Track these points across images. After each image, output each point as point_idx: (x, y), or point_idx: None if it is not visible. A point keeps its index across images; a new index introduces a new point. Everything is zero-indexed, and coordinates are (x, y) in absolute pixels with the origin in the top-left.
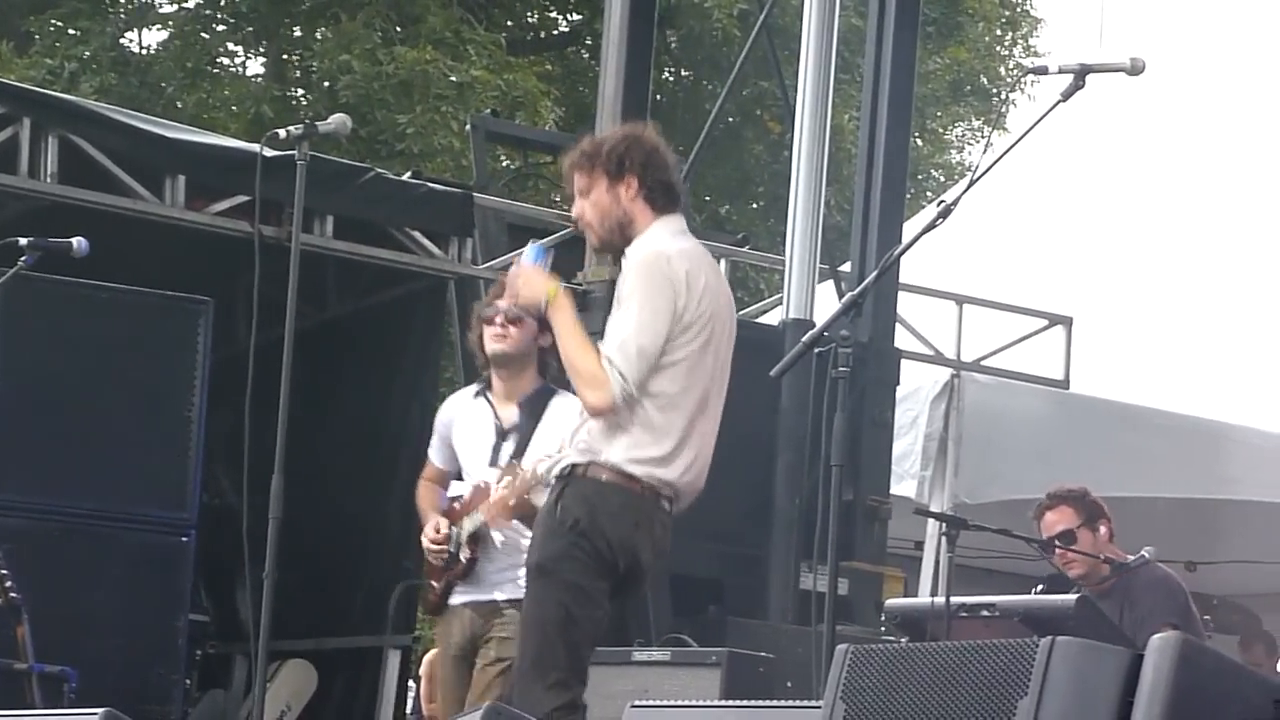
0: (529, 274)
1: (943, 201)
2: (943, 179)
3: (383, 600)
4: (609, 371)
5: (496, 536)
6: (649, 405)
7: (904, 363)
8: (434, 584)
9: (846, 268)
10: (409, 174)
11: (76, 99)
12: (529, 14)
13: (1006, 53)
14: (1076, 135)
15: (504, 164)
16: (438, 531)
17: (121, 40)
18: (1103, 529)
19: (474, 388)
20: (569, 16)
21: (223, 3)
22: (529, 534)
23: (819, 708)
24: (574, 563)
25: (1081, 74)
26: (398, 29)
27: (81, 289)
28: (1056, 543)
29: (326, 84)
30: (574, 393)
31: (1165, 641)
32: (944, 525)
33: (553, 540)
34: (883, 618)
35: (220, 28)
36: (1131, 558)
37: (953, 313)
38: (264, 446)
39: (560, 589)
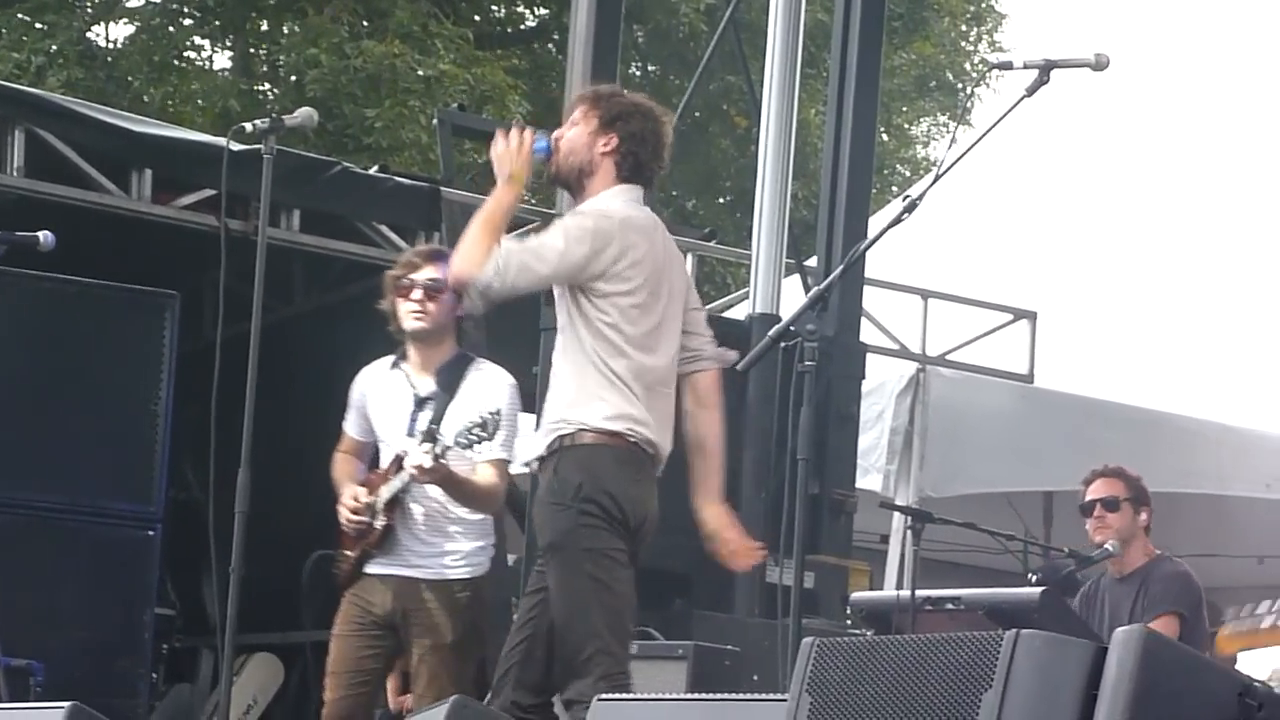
0: (518, 150)
1: (908, 196)
2: (908, 174)
3: None
4: (494, 257)
5: (417, 509)
6: (613, 375)
7: (869, 357)
8: (348, 553)
9: (812, 262)
10: (376, 168)
11: (43, 93)
12: (496, 8)
13: (972, 48)
14: (1041, 131)
15: (471, 158)
16: (355, 500)
17: (88, 34)
18: (1144, 515)
19: (389, 359)
20: (536, 11)
21: None
22: (455, 511)
23: (785, 701)
24: (587, 530)
25: (1046, 69)
26: (365, 23)
27: (48, 283)
28: (1099, 504)
29: (293, 78)
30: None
31: (1129, 635)
32: (909, 519)
33: (559, 515)
34: (848, 611)
35: (187, 22)
36: (1158, 551)
37: (918, 307)
38: (230, 440)
39: (582, 559)
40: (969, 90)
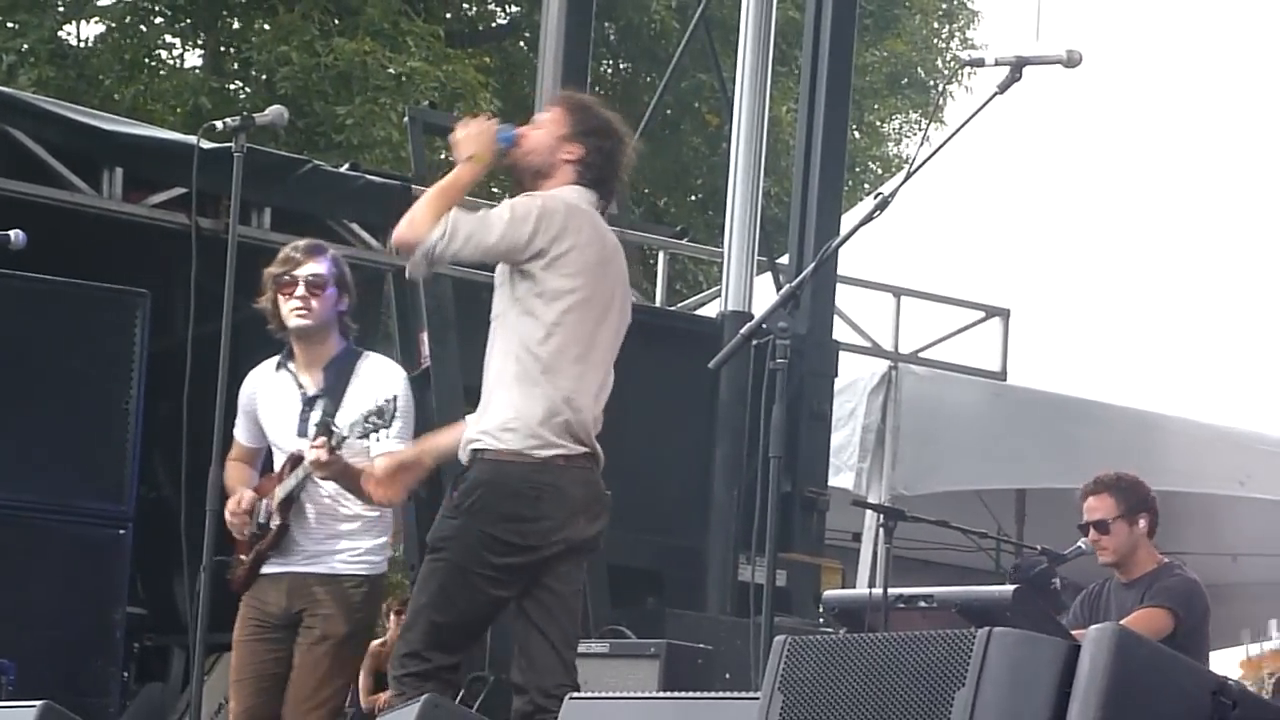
0: (480, 132)
1: (880, 194)
2: (880, 171)
3: None
4: (441, 222)
5: (310, 507)
6: (533, 371)
7: (842, 355)
8: (242, 557)
9: (784, 260)
10: (347, 166)
11: (14, 91)
12: (467, 6)
13: (944, 45)
14: (1013, 128)
15: (442, 156)
16: (239, 504)
17: (59, 33)
18: (1142, 522)
19: (274, 360)
20: (507, 8)
21: None
22: (347, 504)
23: (757, 699)
24: (461, 545)
25: (1018, 66)
26: (336, 21)
27: (19, 281)
28: (1092, 528)
29: (264, 76)
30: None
31: (1102, 632)
32: (882, 516)
33: (445, 520)
34: (821, 609)
35: (158, 20)
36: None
37: (890, 305)
38: (202, 439)
39: (442, 569)
40: (941, 87)
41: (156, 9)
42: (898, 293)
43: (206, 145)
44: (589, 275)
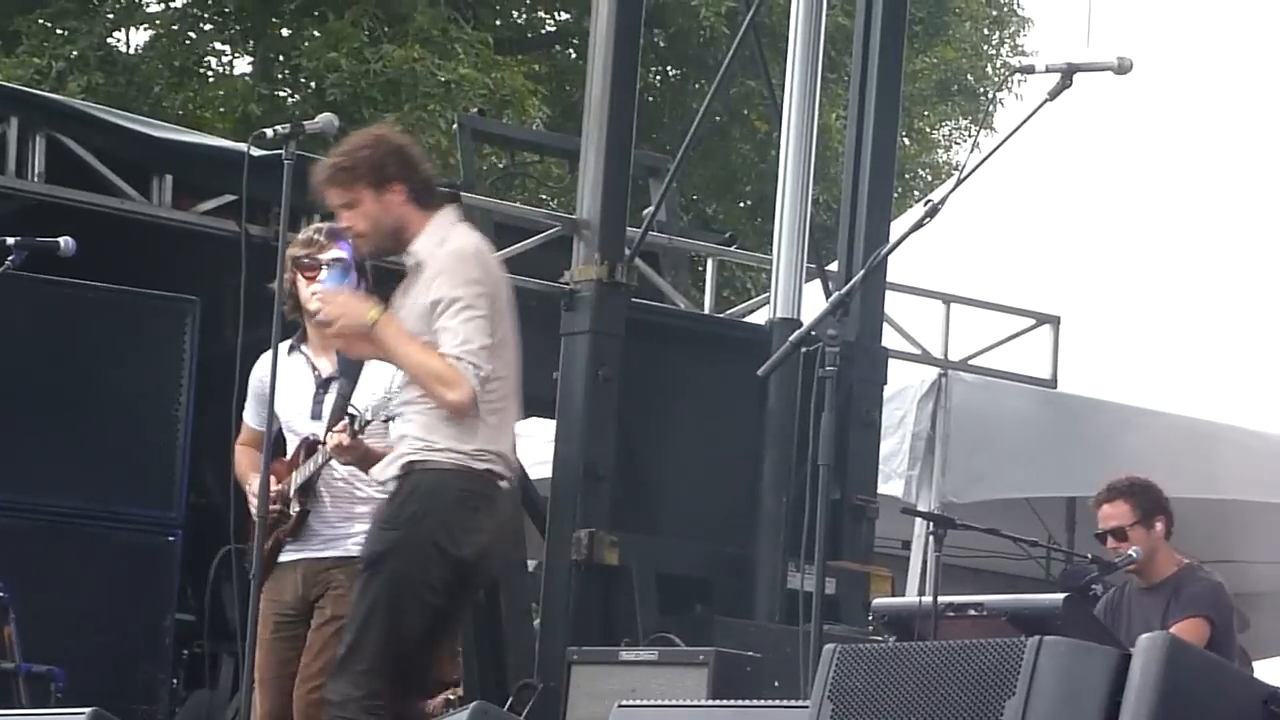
0: (341, 300)
1: (930, 200)
2: (930, 178)
3: None
4: (460, 368)
5: (325, 492)
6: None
7: (891, 362)
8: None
9: (833, 267)
10: None
11: (64, 98)
12: (517, 12)
13: (994, 52)
14: (1063, 134)
15: (491, 162)
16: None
17: (109, 40)
18: (1159, 525)
19: (287, 343)
20: (557, 15)
21: (210, 2)
22: (362, 486)
23: (806, 707)
24: (405, 558)
25: (1069, 73)
26: (385, 28)
27: (69, 288)
28: (1110, 536)
29: (314, 83)
30: None
31: (1153, 641)
32: (931, 524)
33: (385, 534)
34: (870, 617)
35: (207, 27)
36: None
37: (940, 312)
38: None
39: (387, 581)
40: (991, 94)
41: (206, 16)
42: (947, 299)
43: (256, 152)
44: (502, 306)
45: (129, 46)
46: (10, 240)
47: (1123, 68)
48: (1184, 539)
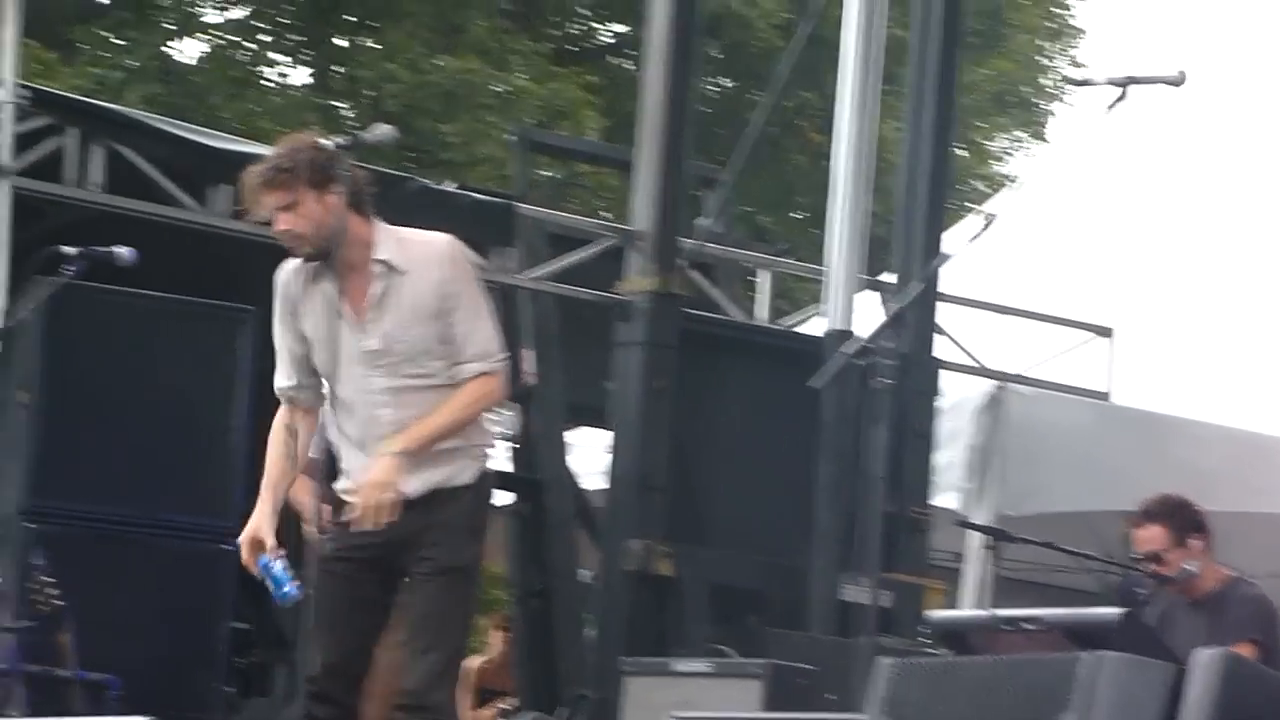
0: (371, 495)
1: (985, 212)
2: (985, 189)
3: None
4: (485, 367)
5: None
6: None
7: (946, 374)
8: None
9: (888, 278)
10: (452, 184)
11: (122, 108)
12: (573, 24)
13: (1049, 64)
14: (1119, 146)
15: (546, 173)
16: None
17: (167, 50)
18: (1194, 544)
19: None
20: (612, 26)
21: (267, 13)
22: None
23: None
24: (478, 561)
25: (1125, 85)
26: (442, 39)
27: (126, 297)
28: (1151, 564)
29: (370, 94)
30: None
31: (1210, 657)
32: (987, 537)
33: (471, 543)
34: (925, 630)
35: (265, 38)
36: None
37: (994, 324)
38: None
39: (473, 586)
40: (1047, 106)
41: (264, 27)
42: (1002, 312)
43: None
44: None
45: (187, 57)
46: (69, 250)
47: (1179, 80)
48: (1238, 552)
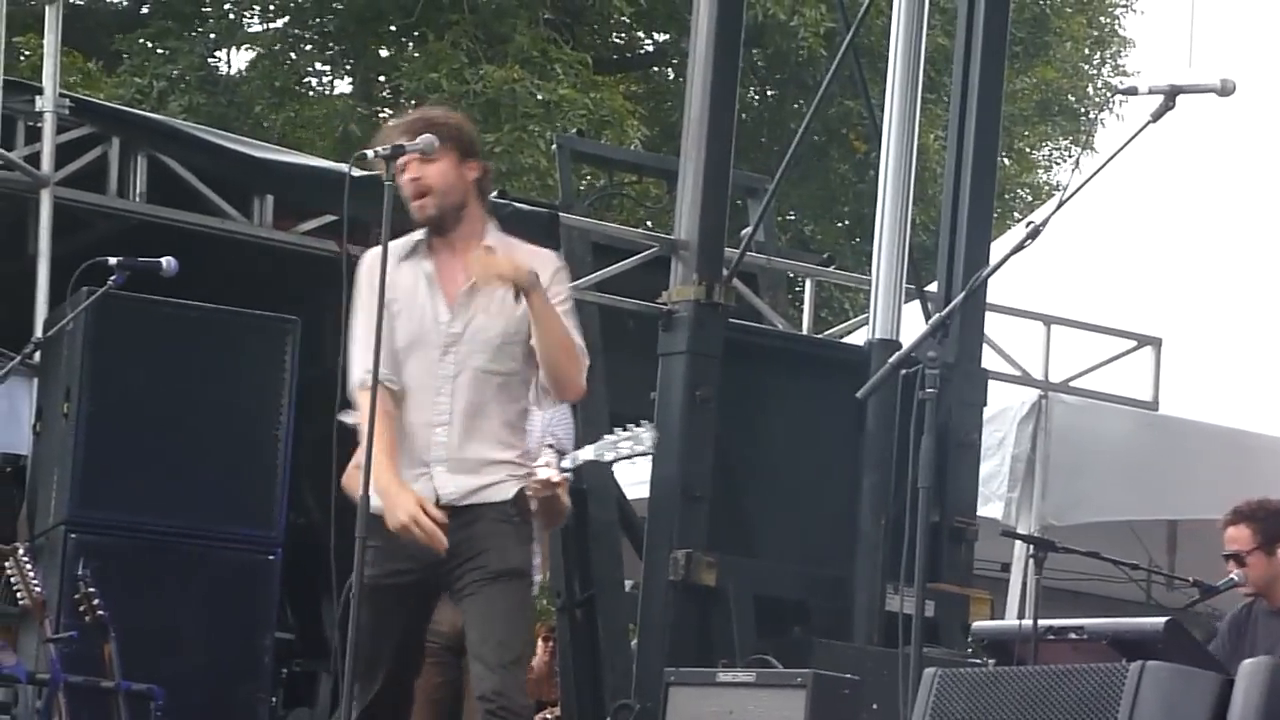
0: (511, 264)
1: (1031, 222)
2: (1030, 199)
3: None
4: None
5: None
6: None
7: (991, 383)
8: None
9: (933, 287)
10: (495, 193)
11: (165, 118)
12: (616, 33)
13: (1095, 72)
14: (1166, 156)
15: (590, 182)
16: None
17: (210, 60)
18: None
19: None
20: (655, 36)
21: (311, 23)
22: None
23: None
24: (530, 572)
25: (1171, 94)
26: (485, 48)
27: (170, 308)
28: (1231, 560)
29: (414, 103)
30: None
31: (1256, 666)
32: (1031, 547)
33: (526, 548)
34: (969, 640)
35: (308, 47)
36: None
37: (1040, 333)
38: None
39: (529, 589)
40: (1092, 115)
41: (307, 36)
42: (1048, 321)
43: (357, 173)
44: None
45: (230, 66)
46: (113, 260)
47: (1226, 89)
48: None
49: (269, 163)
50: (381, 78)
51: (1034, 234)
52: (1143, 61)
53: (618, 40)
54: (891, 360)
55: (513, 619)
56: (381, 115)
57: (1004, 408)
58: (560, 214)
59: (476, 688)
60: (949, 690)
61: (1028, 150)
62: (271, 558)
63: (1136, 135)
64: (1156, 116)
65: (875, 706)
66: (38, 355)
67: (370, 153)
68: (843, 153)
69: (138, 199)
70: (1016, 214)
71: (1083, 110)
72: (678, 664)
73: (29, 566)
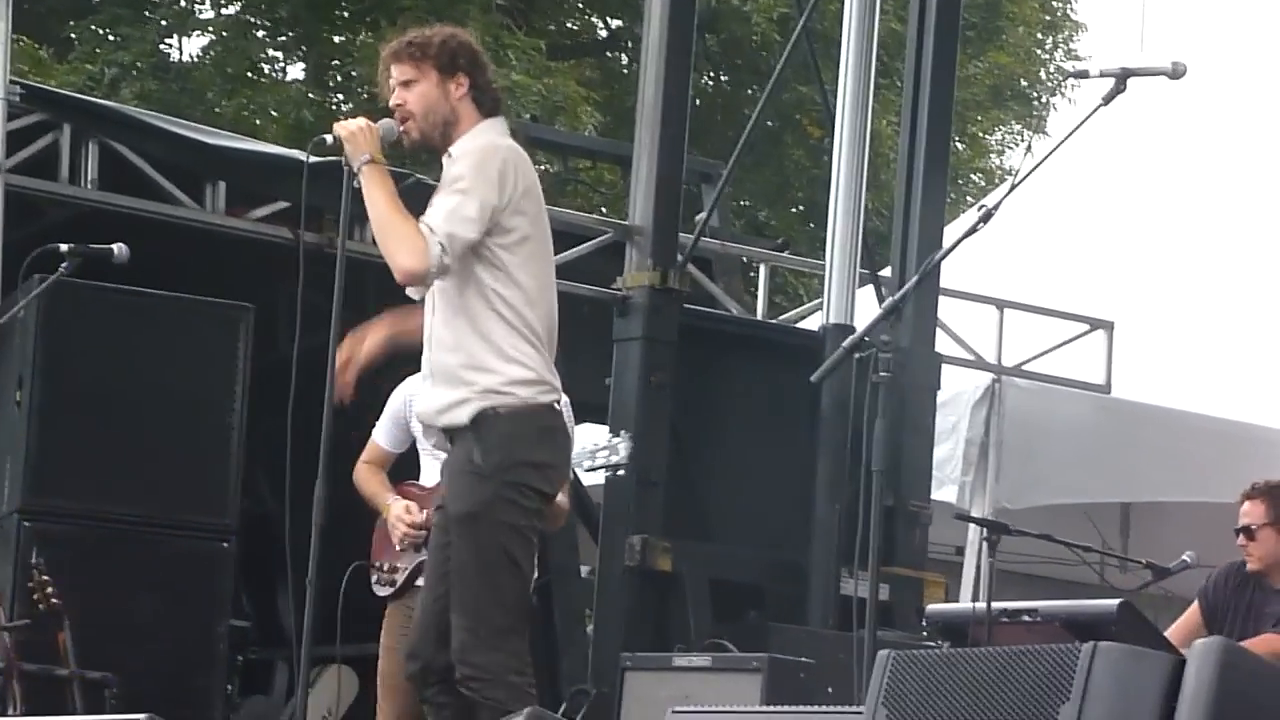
0: (367, 128)
1: (983, 206)
2: (983, 183)
3: None
4: (429, 240)
5: None
6: (523, 326)
7: (945, 367)
8: (398, 565)
9: (887, 272)
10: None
11: (117, 105)
12: (569, 19)
13: (1047, 57)
14: (1118, 139)
15: (543, 168)
16: (409, 513)
17: (162, 46)
18: None
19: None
20: (609, 21)
21: (263, 9)
22: None
23: (860, 713)
24: (505, 504)
25: (1122, 78)
26: None
27: (122, 295)
28: (1241, 533)
29: (367, 89)
30: None
31: (1207, 646)
32: (985, 530)
33: (480, 485)
34: (924, 623)
35: (260, 34)
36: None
37: (993, 317)
38: (306, 452)
39: (498, 532)
40: (1044, 99)
41: (259, 23)
42: (1001, 305)
43: (312, 159)
44: (536, 213)
45: (182, 53)
46: (64, 247)
47: (1177, 72)
48: (1233, 543)
49: (221, 149)
50: (334, 64)
51: (986, 218)
52: (1095, 45)
53: (571, 26)
54: (845, 344)
55: (464, 573)
56: (334, 101)
57: (957, 392)
58: None
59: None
60: (903, 672)
61: (980, 135)
62: (226, 545)
63: (1088, 119)
64: (1108, 100)
65: (830, 689)
66: None
67: (328, 138)
68: (797, 138)
69: (89, 186)
70: (970, 198)
71: (1035, 95)
72: (633, 649)
73: None
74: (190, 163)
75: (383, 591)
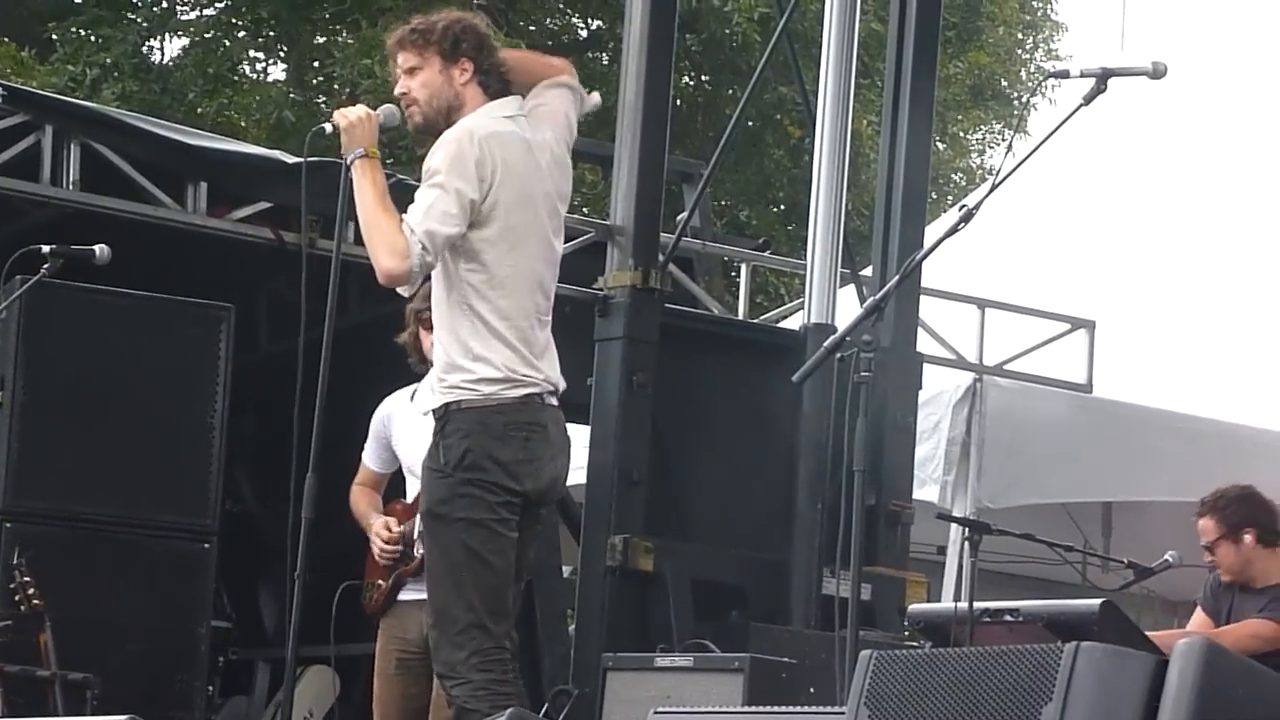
0: (366, 117)
1: (964, 206)
2: (964, 183)
3: None
4: (410, 240)
5: None
6: (491, 320)
7: (926, 367)
8: (380, 582)
9: (868, 272)
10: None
11: (98, 106)
12: (550, 19)
13: (1027, 57)
14: (1098, 139)
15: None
16: (388, 530)
17: (143, 47)
18: (1248, 538)
19: (410, 388)
20: (589, 21)
21: (244, 10)
22: None
23: (843, 713)
24: (465, 499)
25: (1103, 77)
26: None
27: (104, 296)
28: (1205, 552)
29: (347, 89)
30: None
31: (1190, 646)
32: (967, 530)
33: (438, 482)
34: (906, 623)
35: (241, 34)
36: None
37: (975, 317)
38: (287, 452)
39: (458, 529)
40: (1025, 99)
41: (240, 23)
42: (982, 305)
43: (291, 160)
44: (511, 201)
45: (163, 54)
46: (45, 248)
47: (1157, 72)
48: None
49: (203, 150)
50: (315, 64)
51: (967, 218)
52: (1075, 45)
53: (552, 26)
54: (826, 344)
55: (433, 572)
56: (315, 102)
57: (939, 391)
58: None
59: None
60: (885, 672)
61: (961, 135)
62: (207, 546)
63: (1069, 119)
64: (1088, 99)
65: (812, 689)
66: None
67: (328, 127)
68: (778, 138)
69: (71, 187)
70: (950, 198)
71: (1015, 94)
72: (615, 649)
73: None
74: (171, 164)
75: (370, 609)
